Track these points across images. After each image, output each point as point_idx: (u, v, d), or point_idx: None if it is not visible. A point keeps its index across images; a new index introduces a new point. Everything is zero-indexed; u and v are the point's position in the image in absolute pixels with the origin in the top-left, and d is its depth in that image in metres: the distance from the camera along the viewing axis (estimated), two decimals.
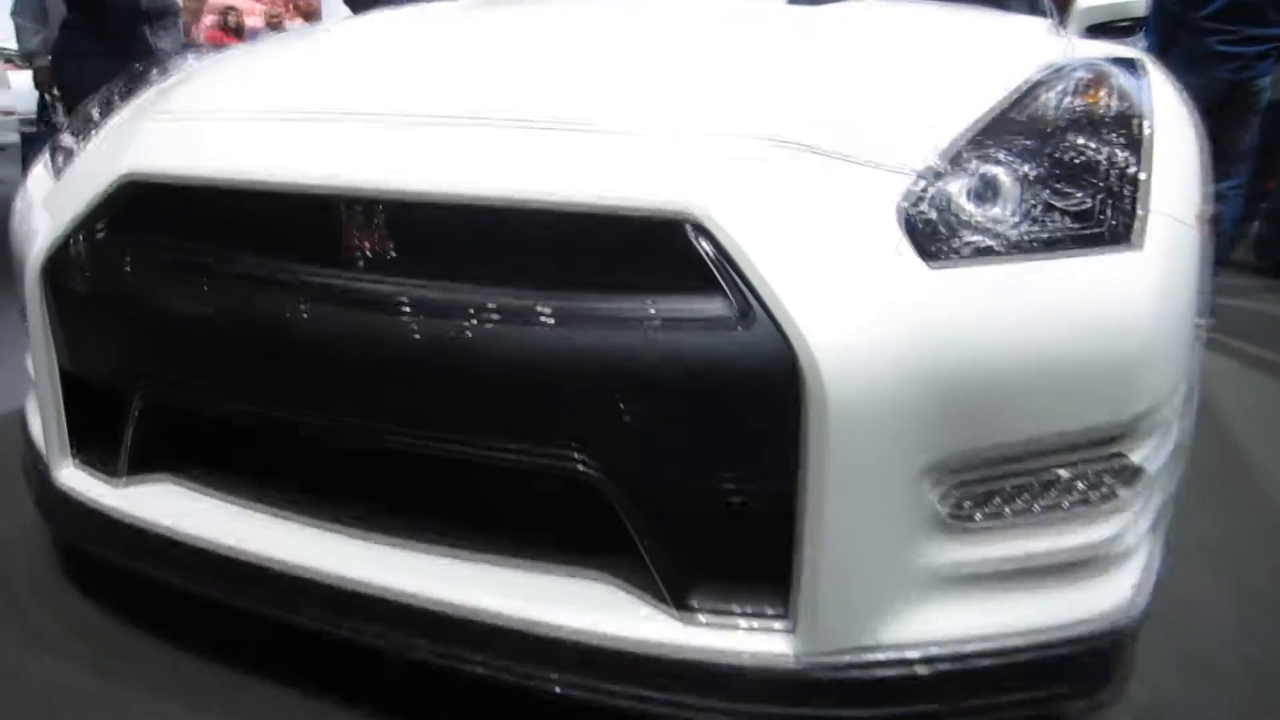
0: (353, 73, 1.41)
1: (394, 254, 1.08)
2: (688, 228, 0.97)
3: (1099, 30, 1.97)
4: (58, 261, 1.29)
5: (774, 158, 1.02)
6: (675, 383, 0.96)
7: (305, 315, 1.09)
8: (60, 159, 1.50)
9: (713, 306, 0.96)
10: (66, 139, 1.55)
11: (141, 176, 1.24)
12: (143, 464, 1.32)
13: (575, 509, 1.09)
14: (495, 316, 1.00)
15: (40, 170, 1.56)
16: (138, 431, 1.29)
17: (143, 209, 1.26)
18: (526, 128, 1.09)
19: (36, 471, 1.43)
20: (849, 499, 0.95)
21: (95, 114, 1.56)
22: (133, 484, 1.32)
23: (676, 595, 1.04)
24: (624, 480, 1.02)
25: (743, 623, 1.02)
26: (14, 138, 7.13)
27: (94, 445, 1.37)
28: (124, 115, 1.47)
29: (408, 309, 1.04)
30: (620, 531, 1.04)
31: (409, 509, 1.20)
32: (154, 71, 1.69)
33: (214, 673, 1.31)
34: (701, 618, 1.03)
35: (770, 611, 1.02)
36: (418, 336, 1.03)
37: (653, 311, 0.97)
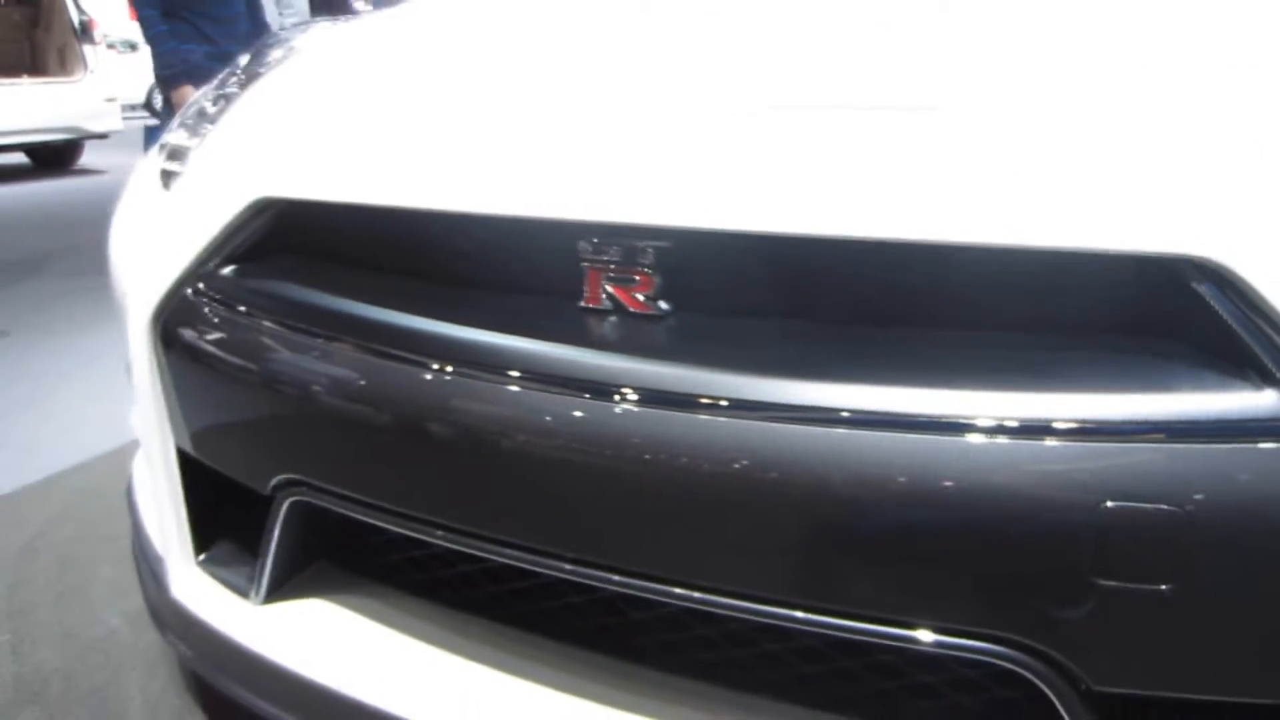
0: (596, 24, 1.00)
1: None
2: (1195, 278, 0.57)
3: None
4: (173, 311, 0.95)
5: None
6: (1198, 528, 0.57)
7: (547, 409, 0.72)
8: (170, 165, 1.17)
9: None
10: (177, 137, 1.21)
11: (281, 198, 0.89)
12: (291, 574, 0.99)
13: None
14: (872, 422, 0.62)
15: (145, 179, 1.23)
16: (283, 545, 0.95)
17: (290, 241, 0.91)
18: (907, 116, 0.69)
19: (149, 570, 1.10)
20: None
21: (209, 107, 1.21)
22: (273, 605, 0.98)
23: None
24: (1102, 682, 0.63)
25: None
26: (117, 124, 7.01)
27: (224, 547, 1.04)
28: (246, 108, 1.12)
29: (727, 412, 0.67)
30: None
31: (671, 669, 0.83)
32: (278, 48, 1.35)
33: None
34: None
35: None
36: (748, 456, 0.65)
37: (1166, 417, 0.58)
